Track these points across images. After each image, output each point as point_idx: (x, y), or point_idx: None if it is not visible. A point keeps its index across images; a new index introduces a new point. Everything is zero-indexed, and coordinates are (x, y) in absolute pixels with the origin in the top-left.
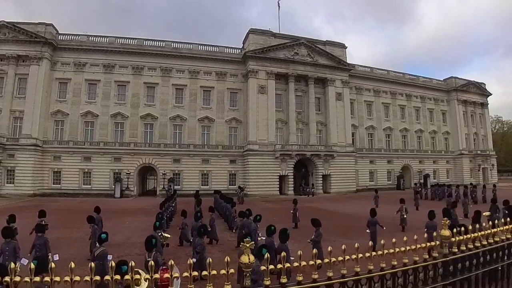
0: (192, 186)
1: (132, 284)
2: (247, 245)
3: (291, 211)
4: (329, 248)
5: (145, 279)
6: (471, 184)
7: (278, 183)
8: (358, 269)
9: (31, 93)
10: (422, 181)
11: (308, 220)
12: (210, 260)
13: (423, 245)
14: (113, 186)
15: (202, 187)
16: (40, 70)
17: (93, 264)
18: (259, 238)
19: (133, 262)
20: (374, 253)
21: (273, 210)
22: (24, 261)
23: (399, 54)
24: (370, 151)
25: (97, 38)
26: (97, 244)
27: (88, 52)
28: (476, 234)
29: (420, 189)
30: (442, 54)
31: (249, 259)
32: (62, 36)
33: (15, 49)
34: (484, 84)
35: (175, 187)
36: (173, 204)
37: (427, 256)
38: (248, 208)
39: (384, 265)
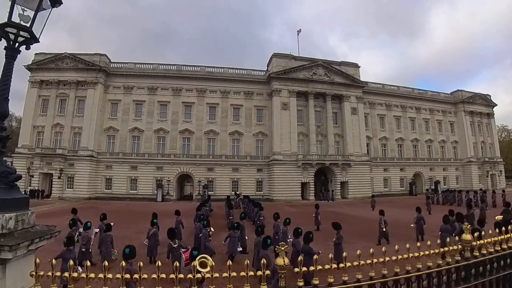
0: (223, 192)
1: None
2: (282, 248)
3: (313, 215)
4: (371, 250)
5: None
6: (481, 189)
7: (300, 189)
8: (398, 270)
9: (88, 112)
10: (433, 187)
11: (328, 223)
12: (265, 261)
13: (452, 248)
14: (156, 192)
15: (232, 192)
16: (96, 93)
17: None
18: (288, 240)
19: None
20: (416, 254)
21: (296, 214)
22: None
23: (410, 68)
24: (384, 160)
25: (142, 65)
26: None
27: (135, 77)
28: (496, 238)
29: (432, 194)
30: (451, 66)
31: (284, 261)
32: (113, 64)
33: (75, 76)
34: (490, 96)
35: (208, 192)
36: (207, 208)
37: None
38: (276, 212)
39: (418, 266)
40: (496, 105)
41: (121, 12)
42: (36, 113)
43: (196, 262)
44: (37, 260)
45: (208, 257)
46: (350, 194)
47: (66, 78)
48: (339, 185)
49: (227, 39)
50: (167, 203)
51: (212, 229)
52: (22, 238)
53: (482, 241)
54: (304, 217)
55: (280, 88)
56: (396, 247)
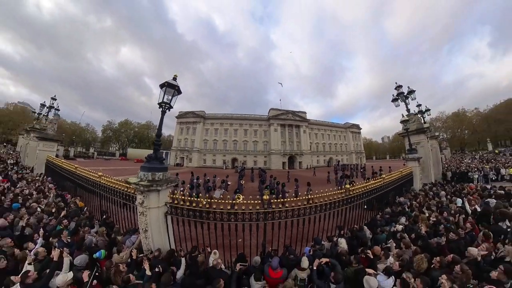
0: (250, 166)
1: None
2: (267, 192)
3: (287, 175)
4: (311, 192)
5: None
6: (356, 164)
7: (281, 164)
8: (322, 200)
9: (197, 134)
10: (337, 163)
11: (292, 179)
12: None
13: (342, 191)
14: (223, 165)
15: (253, 166)
16: (199, 126)
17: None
18: (276, 187)
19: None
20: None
21: (279, 175)
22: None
23: (332, 111)
24: (317, 152)
25: (218, 114)
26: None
27: (215, 119)
28: (360, 186)
29: (338, 166)
30: (349, 110)
31: (267, 197)
32: (207, 114)
33: (193, 119)
34: (359, 124)
35: (244, 165)
36: (243, 173)
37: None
38: (271, 174)
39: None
40: (362, 128)
41: (207, 92)
42: (179, 134)
43: (237, 196)
44: (171, 190)
45: (241, 195)
46: (303, 167)
47: (190, 120)
48: (298, 163)
49: (250, 99)
50: (227, 170)
51: (243, 181)
52: (164, 182)
53: (354, 187)
54: (282, 177)
55: (274, 122)
56: (322, 190)
